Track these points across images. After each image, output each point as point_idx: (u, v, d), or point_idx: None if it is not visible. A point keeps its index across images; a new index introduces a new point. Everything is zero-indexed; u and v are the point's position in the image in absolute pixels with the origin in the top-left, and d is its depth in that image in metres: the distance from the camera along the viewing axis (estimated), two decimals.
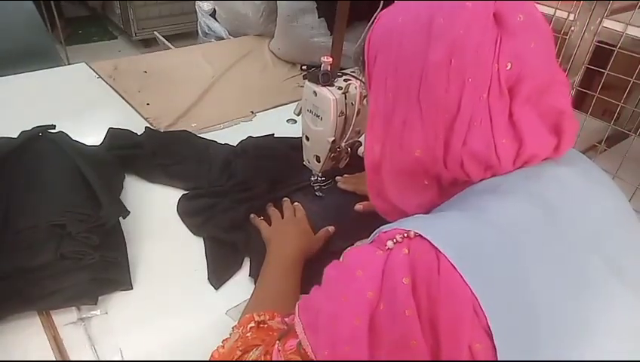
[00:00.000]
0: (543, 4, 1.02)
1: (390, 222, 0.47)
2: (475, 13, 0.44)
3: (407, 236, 0.43)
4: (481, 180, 0.48)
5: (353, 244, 0.85)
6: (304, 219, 0.89)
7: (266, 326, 0.60)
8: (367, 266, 0.44)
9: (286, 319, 0.58)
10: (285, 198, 0.93)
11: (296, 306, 0.50)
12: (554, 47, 0.49)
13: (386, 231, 0.45)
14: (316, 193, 0.96)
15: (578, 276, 0.41)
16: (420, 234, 0.42)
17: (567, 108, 0.48)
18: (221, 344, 0.59)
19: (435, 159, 0.48)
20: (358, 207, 0.91)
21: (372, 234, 0.48)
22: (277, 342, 0.51)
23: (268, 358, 0.52)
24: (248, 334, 0.59)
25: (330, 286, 0.47)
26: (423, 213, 0.52)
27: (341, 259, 0.48)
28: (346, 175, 1.00)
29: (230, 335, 0.61)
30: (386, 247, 0.43)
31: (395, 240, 0.43)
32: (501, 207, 0.44)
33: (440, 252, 0.40)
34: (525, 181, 0.47)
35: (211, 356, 0.58)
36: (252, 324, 0.61)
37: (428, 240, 0.41)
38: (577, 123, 0.49)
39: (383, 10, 0.54)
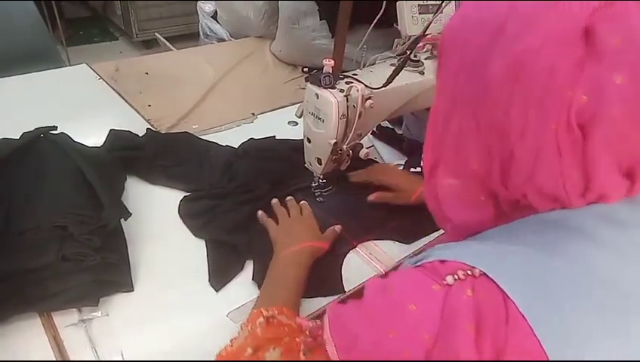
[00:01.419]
0: None
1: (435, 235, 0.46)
2: (560, 24, 0.35)
3: (472, 274, 0.38)
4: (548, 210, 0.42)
5: (355, 247, 0.85)
6: (311, 216, 0.88)
7: (275, 320, 0.59)
8: (422, 302, 0.39)
9: (308, 324, 0.55)
10: (290, 197, 0.92)
11: (325, 319, 0.47)
12: None
13: (443, 261, 0.41)
14: (317, 198, 0.96)
15: None
16: (485, 273, 0.38)
17: None
18: (229, 343, 0.58)
19: (490, 176, 0.42)
20: (371, 197, 0.91)
21: (421, 256, 0.44)
22: (302, 356, 0.49)
23: (289, 357, 0.50)
24: (258, 330, 0.57)
25: (374, 313, 0.42)
26: (477, 230, 0.47)
27: (385, 280, 0.44)
28: (351, 173, 0.98)
29: (238, 333, 0.59)
30: (445, 282, 0.39)
31: (456, 276, 0.39)
32: (576, 250, 0.39)
33: (508, 297, 0.36)
34: (600, 222, 0.40)
35: (218, 355, 0.57)
36: (261, 320, 0.59)
37: (495, 282, 0.37)
38: None
39: (469, 2, 0.45)
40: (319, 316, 0.53)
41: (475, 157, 0.43)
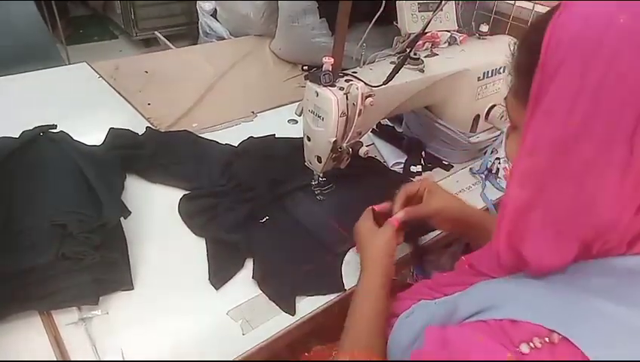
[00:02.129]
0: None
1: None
2: None
3: (550, 341, 0.34)
4: (626, 253, 0.38)
5: (355, 245, 0.85)
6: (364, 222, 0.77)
7: None
8: None
9: None
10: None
11: None
12: None
13: (514, 322, 0.36)
14: (317, 197, 0.96)
15: None
16: (566, 338, 0.34)
17: None
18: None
19: (616, 220, 0.36)
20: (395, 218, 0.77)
21: (484, 306, 0.39)
22: None
23: None
24: None
25: None
26: (545, 272, 0.42)
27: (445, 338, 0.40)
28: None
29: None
30: (518, 350, 0.35)
31: (532, 344, 0.35)
32: None
33: None
34: None
35: None
36: None
37: (578, 349, 0.33)
38: None
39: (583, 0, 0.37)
40: None
41: (605, 199, 0.36)
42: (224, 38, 1.88)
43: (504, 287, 0.43)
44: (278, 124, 1.21)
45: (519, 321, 0.36)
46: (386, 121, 1.21)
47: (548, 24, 0.38)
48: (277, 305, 0.74)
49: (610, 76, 0.34)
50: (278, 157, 1.04)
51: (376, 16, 0.94)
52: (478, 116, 1.06)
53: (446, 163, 1.12)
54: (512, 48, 0.46)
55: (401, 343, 0.56)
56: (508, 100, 0.46)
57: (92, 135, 0.99)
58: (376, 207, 0.81)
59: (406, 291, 0.66)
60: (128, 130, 1.06)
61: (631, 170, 0.35)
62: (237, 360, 0.67)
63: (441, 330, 0.41)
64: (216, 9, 1.94)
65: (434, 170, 1.10)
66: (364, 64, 0.96)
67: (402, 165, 1.08)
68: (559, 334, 0.34)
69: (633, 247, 0.38)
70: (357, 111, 0.81)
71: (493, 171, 1.08)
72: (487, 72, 1.02)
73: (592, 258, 0.40)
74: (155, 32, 2.54)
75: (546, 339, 0.34)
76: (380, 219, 0.78)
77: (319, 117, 0.83)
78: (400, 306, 0.62)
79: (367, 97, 0.81)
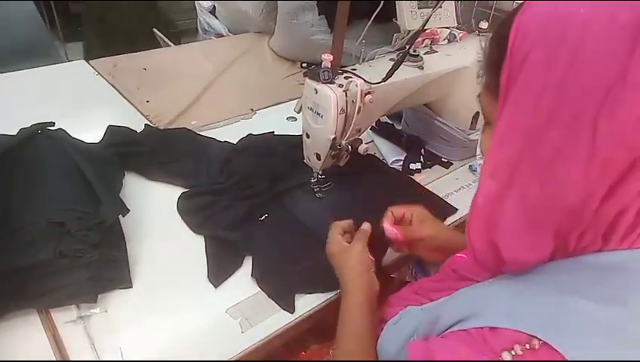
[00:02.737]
0: None
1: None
2: None
3: (531, 347, 0.34)
4: (608, 250, 0.38)
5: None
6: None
7: None
8: None
9: None
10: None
11: None
12: None
13: (494, 329, 0.36)
14: (316, 194, 0.96)
15: None
16: (546, 343, 0.34)
17: None
18: None
19: (585, 202, 0.37)
20: (394, 234, 0.75)
21: (466, 314, 0.40)
22: None
23: None
24: None
25: None
26: (521, 268, 0.42)
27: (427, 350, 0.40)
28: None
29: None
30: (500, 359, 0.35)
31: (513, 351, 0.35)
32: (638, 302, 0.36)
33: None
34: None
35: None
36: None
37: (560, 353, 0.33)
38: None
39: None
40: None
41: (574, 184, 0.36)
42: (223, 35, 1.87)
43: (486, 292, 0.43)
44: (277, 121, 1.21)
45: (499, 329, 0.36)
46: (385, 119, 1.21)
47: (515, 19, 0.40)
48: (276, 302, 0.74)
49: (574, 65, 0.35)
50: (277, 155, 1.04)
51: (375, 13, 0.93)
52: (477, 113, 1.05)
53: (445, 160, 1.12)
54: (482, 45, 0.47)
55: (389, 350, 0.56)
56: (481, 96, 0.47)
57: (90, 132, 0.99)
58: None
59: (394, 296, 0.67)
60: (127, 127, 1.05)
61: (594, 156, 0.35)
62: (236, 358, 0.67)
63: (424, 344, 0.41)
64: (214, 6, 1.93)
65: (433, 167, 1.10)
66: (363, 61, 0.95)
67: (401, 162, 1.08)
68: (539, 339, 0.34)
69: (608, 242, 0.38)
70: (356, 109, 0.81)
71: (477, 169, 1.08)
72: None
73: (569, 256, 0.40)
74: (154, 29, 2.53)
75: (527, 346, 0.34)
76: (352, 232, 0.76)
77: (318, 114, 0.82)
78: (388, 312, 0.63)
79: (366, 94, 0.81)
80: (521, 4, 0.41)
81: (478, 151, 1.09)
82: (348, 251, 0.71)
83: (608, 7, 0.35)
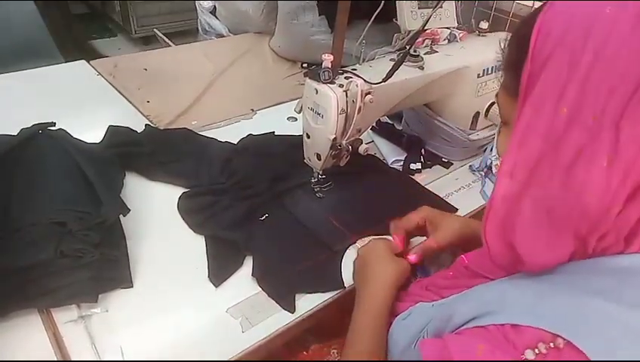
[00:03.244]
0: None
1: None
2: None
3: (555, 346, 0.34)
4: (629, 253, 0.38)
5: (354, 242, 0.85)
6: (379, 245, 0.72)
7: None
8: None
9: None
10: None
11: None
12: None
13: (517, 327, 0.36)
14: (316, 194, 0.96)
15: None
16: (570, 342, 0.33)
17: None
18: None
19: (608, 207, 0.36)
20: (413, 258, 0.70)
21: (482, 311, 0.39)
22: None
23: None
24: None
25: None
26: (540, 269, 0.42)
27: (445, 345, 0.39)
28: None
29: None
30: (524, 357, 0.34)
31: (537, 350, 0.34)
32: None
33: None
34: None
35: None
36: None
37: (584, 354, 0.33)
38: None
39: None
40: None
41: (595, 186, 0.36)
42: (223, 36, 1.87)
43: (502, 289, 0.43)
44: (278, 121, 1.21)
45: (521, 326, 0.35)
46: (386, 119, 1.21)
47: (536, 19, 0.39)
48: (276, 302, 0.74)
49: (598, 66, 0.35)
50: (277, 155, 1.04)
51: (375, 14, 0.93)
52: (477, 113, 1.05)
53: (445, 160, 1.12)
54: (502, 45, 0.46)
55: (398, 345, 0.56)
56: (499, 96, 0.47)
57: (91, 133, 0.99)
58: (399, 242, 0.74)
59: (404, 292, 0.66)
60: (127, 127, 1.05)
61: (618, 157, 0.35)
62: (236, 358, 0.67)
63: (439, 342, 0.40)
64: (215, 6, 1.93)
65: (433, 167, 1.10)
66: (363, 61, 0.96)
67: (402, 163, 1.08)
68: (564, 339, 0.34)
69: (631, 245, 0.38)
70: (356, 109, 0.81)
71: (493, 169, 1.08)
72: (487, 69, 1.02)
73: (589, 256, 0.39)
74: (154, 30, 2.53)
75: (551, 345, 0.34)
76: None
77: (319, 114, 0.83)
78: (399, 307, 0.62)
79: (366, 94, 0.81)
80: (543, 3, 0.40)
81: (494, 152, 1.09)
82: (395, 260, 0.67)
83: (635, 7, 0.35)
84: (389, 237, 0.75)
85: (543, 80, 0.38)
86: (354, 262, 0.73)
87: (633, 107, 0.34)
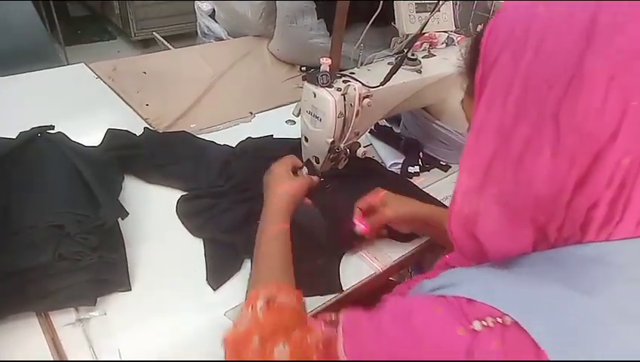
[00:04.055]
0: None
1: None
2: None
3: (502, 322, 0.35)
4: (588, 241, 0.40)
5: (353, 246, 0.85)
6: (280, 165, 0.83)
7: (276, 304, 0.57)
8: (444, 345, 0.37)
9: (320, 327, 0.51)
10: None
11: (340, 332, 0.45)
12: None
13: (471, 301, 0.38)
14: (314, 197, 0.96)
15: None
16: (517, 323, 0.35)
17: None
18: (234, 326, 0.56)
19: (557, 195, 0.38)
20: (361, 229, 0.81)
21: (443, 281, 0.42)
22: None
23: (296, 358, 0.49)
24: (260, 316, 0.55)
25: (393, 345, 0.41)
26: (503, 260, 0.44)
27: (403, 302, 0.42)
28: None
29: (241, 314, 0.58)
30: (471, 327, 0.36)
31: (484, 322, 0.36)
32: (614, 292, 0.36)
33: (540, 349, 0.34)
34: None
35: (225, 340, 0.56)
36: (261, 304, 0.57)
37: (527, 333, 0.34)
38: None
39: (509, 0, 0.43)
40: (333, 322, 0.50)
41: (543, 175, 0.38)
42: (222, 39, 1.88)
43: (467, 271, 0.46)
44: (276, 124, 1.21)
45: (476, 301, 0.37)
46: (384, 122, 1.21)
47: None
48: None
49: (536, 63, 0.38)
50: (276, 158, 1.04)
51: (373, 17, 0.94)
52: None
53: (444, 163, 1.12)
54: (462, 52, 0.50)
55: None
56: (464, 101, 0.50)
57: (90, 136, 0.99)
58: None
59: (388, 294, 0.67)
60: (126, 130, 1.05)
61: (559, 149, 0.37)
62: None
63: (404, 298, 0.43)
64: (214, 9, 1.94)
65: (432, 170, 1.10)
66: (361, 65, 0.96)
67: (400, 166, 1.09)
68: (511, 318, 0.35)
69: (586, 234, 0.39)
70: (354, 112, 0.81)
71: None
72: None
73: (552, 246, 0.41)
74: (154, 33, 2.53)
75: (499, 320, 0.35)
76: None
77: (317, 117, 0.83)
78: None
79: (364, 98, 0.81)
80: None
81: None
82: (293, 178, 0.80)
83: (565, 6, 0.38)
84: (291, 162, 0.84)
85: (492, 80, 0.41)
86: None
87: (569, 98, 0.36)
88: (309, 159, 0.88)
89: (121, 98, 1.27)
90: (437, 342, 0.37)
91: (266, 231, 0.72)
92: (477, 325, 0.36)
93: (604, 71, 0.35)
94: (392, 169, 1.09)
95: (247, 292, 0.70)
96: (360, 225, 0.82)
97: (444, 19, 1.01)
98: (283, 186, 0.77)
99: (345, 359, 0.43)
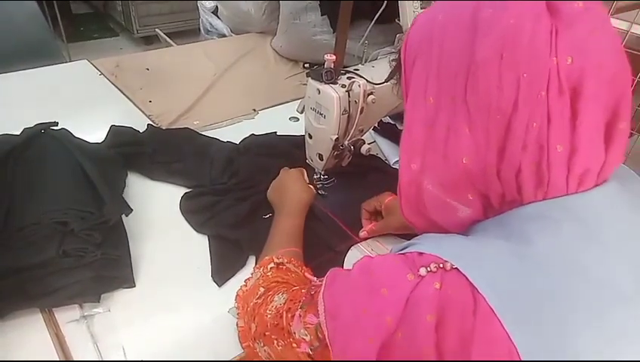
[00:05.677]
0: None
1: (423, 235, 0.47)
2: (525, 2, 0.41)
3: (443, 267, 0.41)
4: (529, 203, 0.44)
5: (357, 242, 0.85)
6: (297, 172, 0.92)
7: (284, 267, 0.67)
8: (393, 288, 0.42)
9: (312, 279, 0.61)
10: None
11: (324, 281, 0.50)
12: (617, 35, 0.44)
13: (421, 254, 0.43)
14: (318, 192, 0.96)
15: (622, 333, 0.38)
16: (457, 268, 0.40)
17: (624, 111, 0.42)
18: (244, 283, 0.68)
19: (485, 168, 0.44)
20: (363, 233, 0.87)
21: (408, 243, 0.47)
22: (299, 309, 0.52)
23: (291, 306, 0.54)
24: (269, 273, 0.66)
25: (355, 290, 0.46)
26: (463, 231, 0.49)
27: (370, 260, 0.47)
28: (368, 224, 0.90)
29: (252, 274, 0.68)
30: (418, 273, 0.42)
31: (429, 268, 0.41)
32: (549, 243, 0.40)
33: (478, 292, 0.38)
34: (576, 213, 0.42)
35: (237, 296, 0.66)
36: (272, 265, 0.67)
37: (466, 277, 0.39)
38: (627, 132, 0.44)
39: (421, 13, 0.52)
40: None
41: (467, 152, 0.44)
42: (225, 36, 1.87)
43: (427, 235, 0.50)
44: (280, 121, 1.21)
45: (425, 253, 0.43)
46: (388, 119, 1.21)
47: None
48: None
49: (442, 60, 0.45)
50: (279, 155, 1.04)
51: (377, 14, 0.93)
52: None
53: None
54: (389, 59, 0.59)
55: None
56: (404, 103, 0.55)
57: (93, 132, 0.99)
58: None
59: None
60: (130, 127, 1.06)
61: (474, 126, 0.43)
62: (239, 358, 0.67)
63: (370, 259, 0.48)
64: (217, 6, 1.93)
65: None
66: (365, 61, 0.96)
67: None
68: (452, 264, 0.40)
69: (524, 196, 0.44)
70: (359, 109, 0.81)
71: None
72: None
73: (499, 213, 0.46)
74: (156, 30, 2.53)
75: (440, 265, 0.41)
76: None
77: (321, 114, 0.83)
78: None
79: (368, 95, 0.81)
80: None
81: None
82: (306, 185, 0.90)
83: (454, 9, 0.46)
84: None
85: (413, 81, 0.49)
86: (272, 184, 0.91)
87: (471, 83, 0.43)
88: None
89: (125, 95, 1.27)
90: (388, 285, 0.43)
91: (282, 221, 0.80)
92: (423, 271, 0.41)
93: (493, 53, 0.41)
94: (396, 166, 1.08)
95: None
96: (363, 232, 0.87)
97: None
98: (302, 191, 0.87)
99: (322, 303, 0.48)
